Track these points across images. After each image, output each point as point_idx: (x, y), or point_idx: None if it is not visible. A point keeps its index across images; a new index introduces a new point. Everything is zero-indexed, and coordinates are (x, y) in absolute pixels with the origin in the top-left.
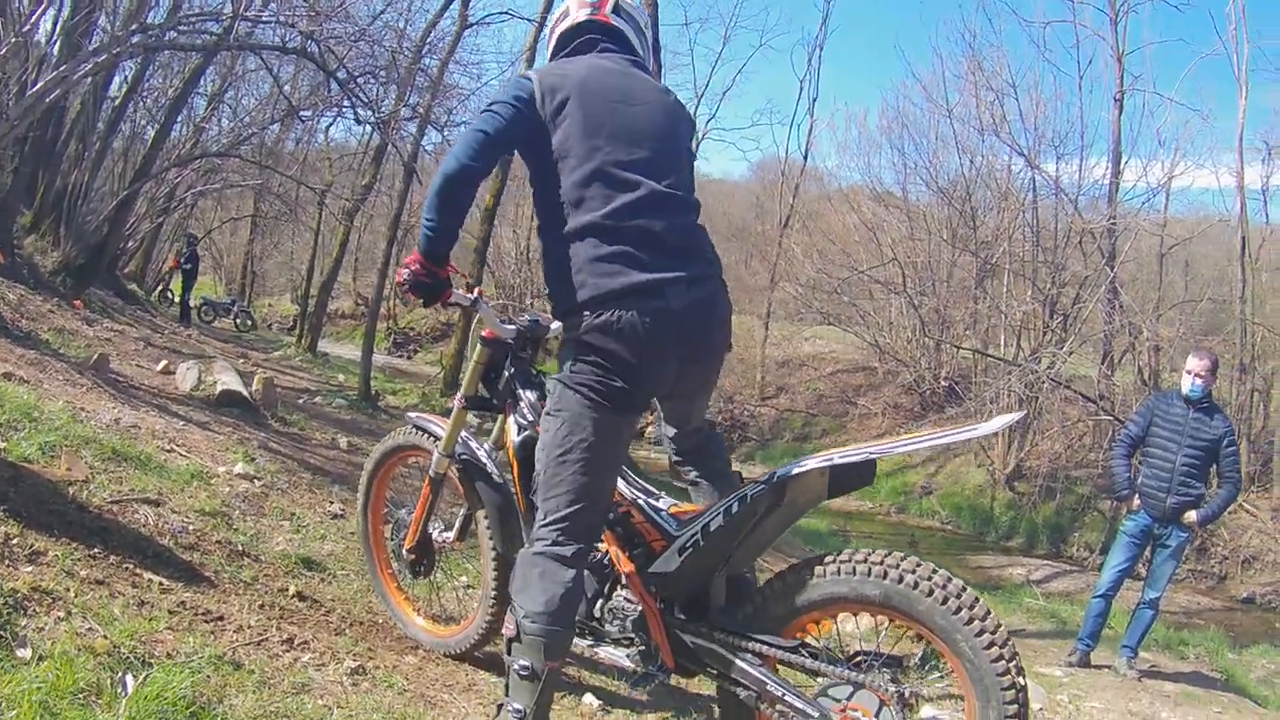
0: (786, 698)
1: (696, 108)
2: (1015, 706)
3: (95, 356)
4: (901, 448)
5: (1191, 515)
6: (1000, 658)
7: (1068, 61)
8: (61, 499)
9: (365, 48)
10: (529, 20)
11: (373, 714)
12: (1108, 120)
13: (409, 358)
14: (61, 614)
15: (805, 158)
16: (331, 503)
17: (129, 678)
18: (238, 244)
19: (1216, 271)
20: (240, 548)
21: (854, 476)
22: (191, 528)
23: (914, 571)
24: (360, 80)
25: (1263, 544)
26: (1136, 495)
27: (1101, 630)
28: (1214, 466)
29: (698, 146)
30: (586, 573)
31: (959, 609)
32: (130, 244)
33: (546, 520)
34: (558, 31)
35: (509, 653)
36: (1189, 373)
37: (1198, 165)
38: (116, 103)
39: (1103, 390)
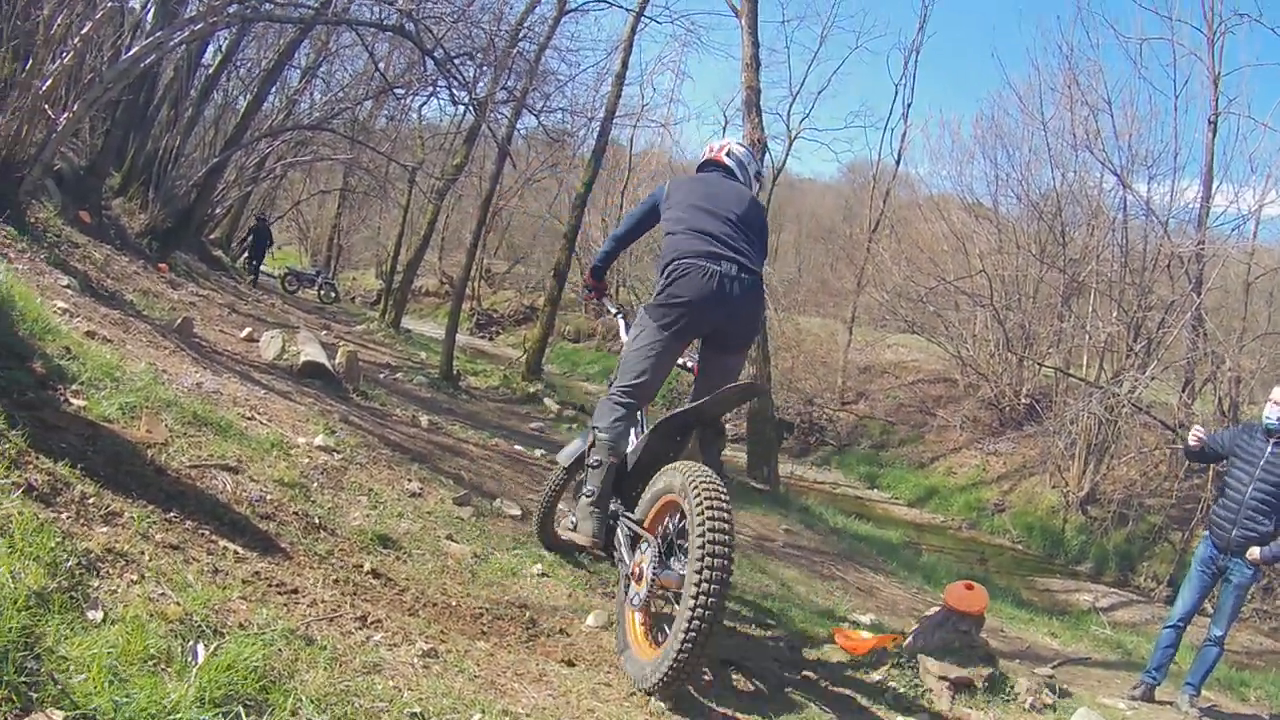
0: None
1: (791, 105)
2: (709, 533)
3: (179, 320)
4: None
5: (1255, 552)
6: (702, 500)
7: (1163, 80)
8: (140, 461)
9: (463, 28)
10: (627, 9)
11: (443, 698)
12: (1201, 142)
13: (491, 339)
14: (135, 577)
15: (898, 163)
16: (410, 480)
17: (200, 646)
18: (325, 216)
19: None
20: (317, 520)
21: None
22: (269, 497)
23: (692, 470)
24: (457, 61)
25: None
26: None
27: (1169, 663)
28: None
29: (789, 149)
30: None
31: (695, 479)
32: (218, 211)
33: (620, 384)
34: (700, 160)
35: (589, 457)
36: (1273, 402)
37: None
38: (210, 71)
39: (1182, 419)
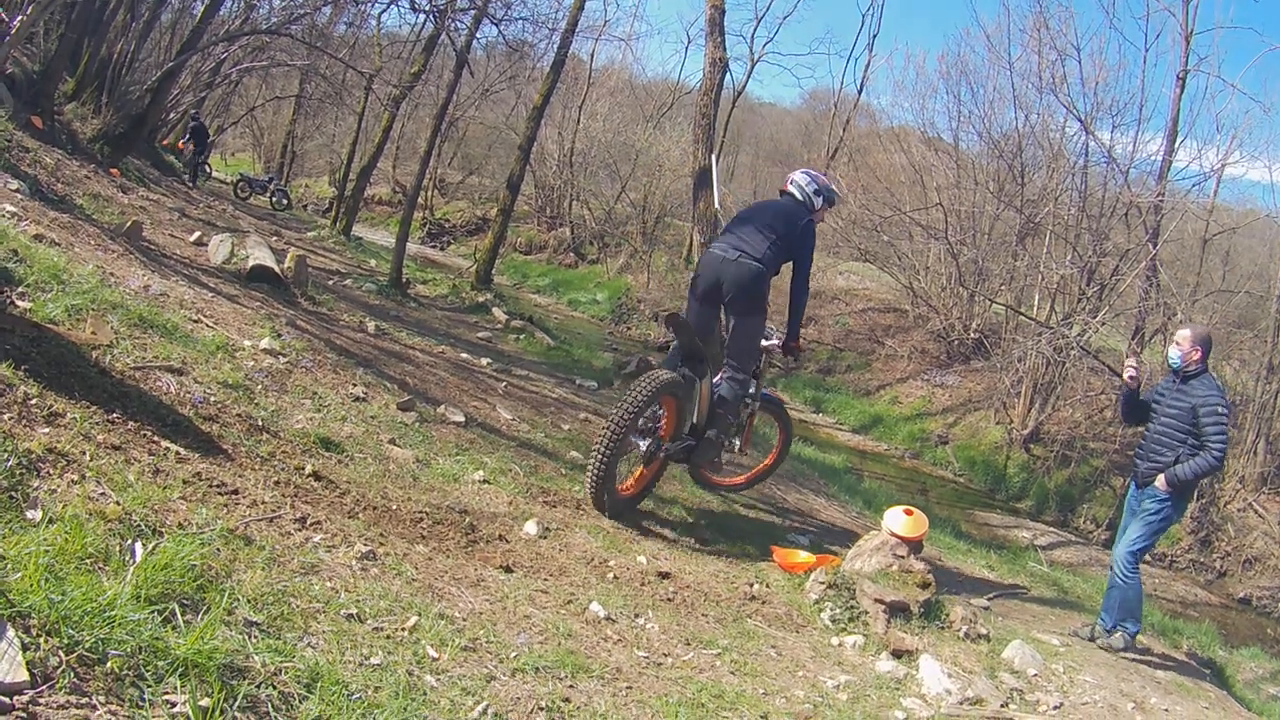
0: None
1: (755, 28)
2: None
3: (128, 224)
4: None
5: (1160, 479)
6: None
7: (1135, 32)
8: (84, 362)
9: None
10: None
11: (379, 600)
12: (1168, 97)
13: (442, 249)
14: (75, 477)
15: (860, 92)
16: (355, 385)
17: (138, 545)
18: (280, 123)
19: (1256, 266)
20: (260, 422)
21: None
22: (213, 399)
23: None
24: None
25: (1267, 547)
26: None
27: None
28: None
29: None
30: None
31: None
32: (172, 116)
33: None
34: None
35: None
36: (1175, 343)
37: (1252, 156)
38: None
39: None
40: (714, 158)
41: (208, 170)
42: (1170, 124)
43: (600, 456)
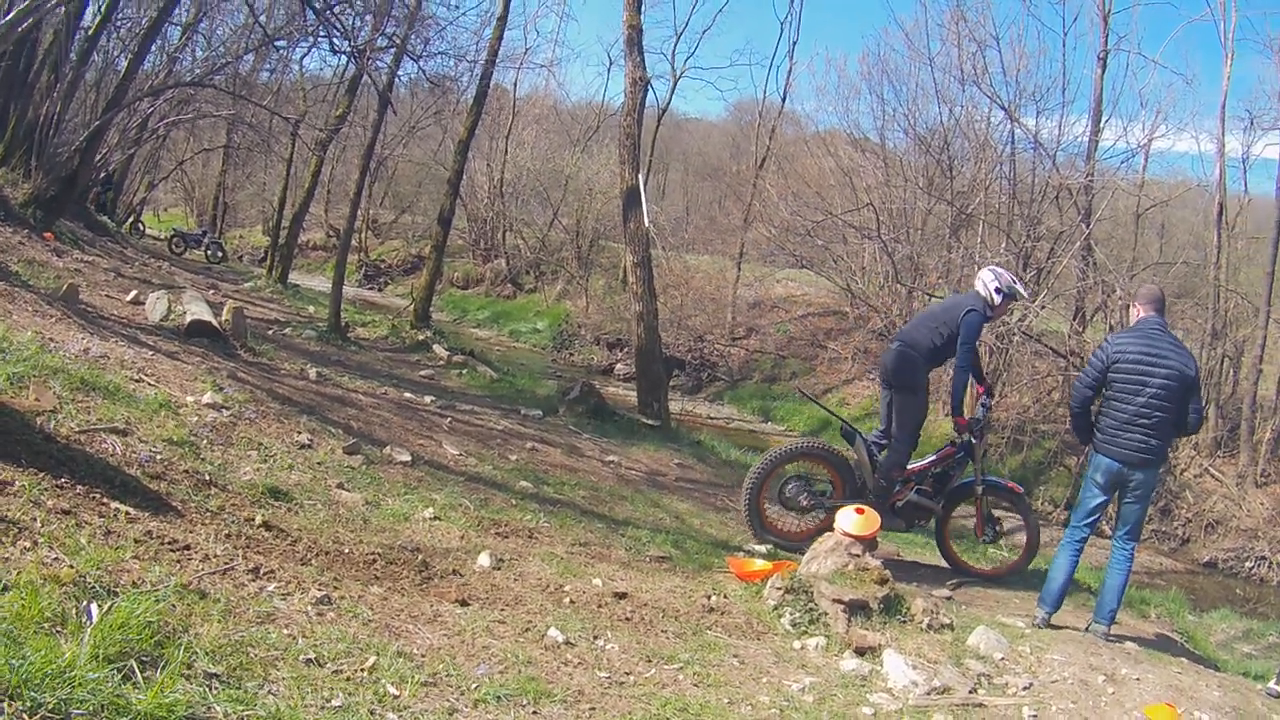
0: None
1: (675, 44)
2: None
3: (65, 287)
4: None
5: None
6: None
7: (1052, 17)
8: (29, 429)
9: None
10: None
11: (337, 644)
12: (1090, 78)
13: (380, 290)
14: (28, 544)
15: (783, 100)
16: (299, 433)
17: (94, 606)
18: (210, 175)
19: (1192, 236)
20: (207, 477)
21: None
22: (159, 457)
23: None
24: (336, 9)
25: (1227, 509)
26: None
27: (1117, 586)
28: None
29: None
30: None
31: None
32: (102, 175)
33: None
34: None
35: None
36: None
37: (1178, 129)
38: (90, 32)
39: (1073, 346)
40: (641, 177)
41: (140, 228)
42: (1094, 104)
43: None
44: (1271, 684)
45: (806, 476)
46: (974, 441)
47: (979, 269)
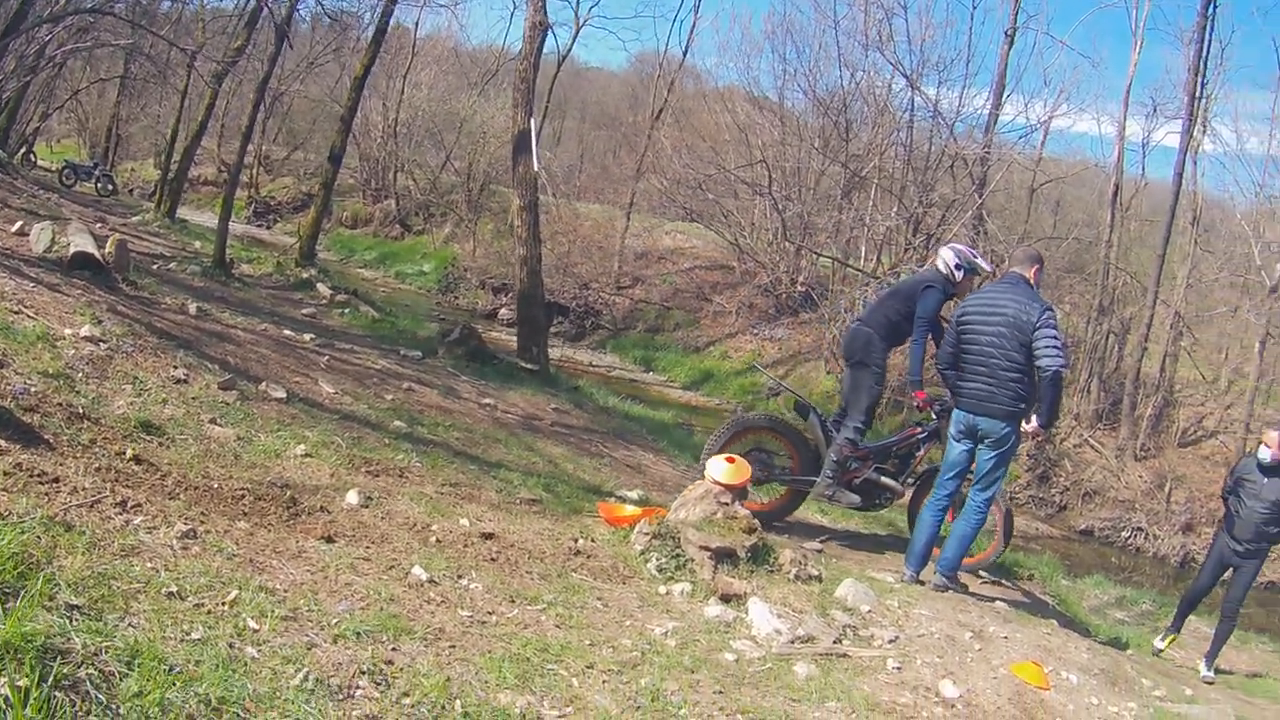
0: None
1: None
2: None
3: None
4: None
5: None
6: None
7: None
8: None
9: None
10: None
11: (200, 577)
12: (995, 53)
13: (269, 227)
14: None
15: (684, 54)
16: (176, 368)
17: None
18: (104, 106)
19: (1086, 215)
20: (81, 410)
21: None
22: (33, 389)
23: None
24: None
25: (1105, 480)
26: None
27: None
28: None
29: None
30: None
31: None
32: None
33: None
34: None
35: None
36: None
37: (1080, 109)
38: None
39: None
40: (533, 122)
41: (32, 159)
42: (998, 79)
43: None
44: (1203, 668)
45: (766, 449)
46: (939, 422)
47: (940, 247)
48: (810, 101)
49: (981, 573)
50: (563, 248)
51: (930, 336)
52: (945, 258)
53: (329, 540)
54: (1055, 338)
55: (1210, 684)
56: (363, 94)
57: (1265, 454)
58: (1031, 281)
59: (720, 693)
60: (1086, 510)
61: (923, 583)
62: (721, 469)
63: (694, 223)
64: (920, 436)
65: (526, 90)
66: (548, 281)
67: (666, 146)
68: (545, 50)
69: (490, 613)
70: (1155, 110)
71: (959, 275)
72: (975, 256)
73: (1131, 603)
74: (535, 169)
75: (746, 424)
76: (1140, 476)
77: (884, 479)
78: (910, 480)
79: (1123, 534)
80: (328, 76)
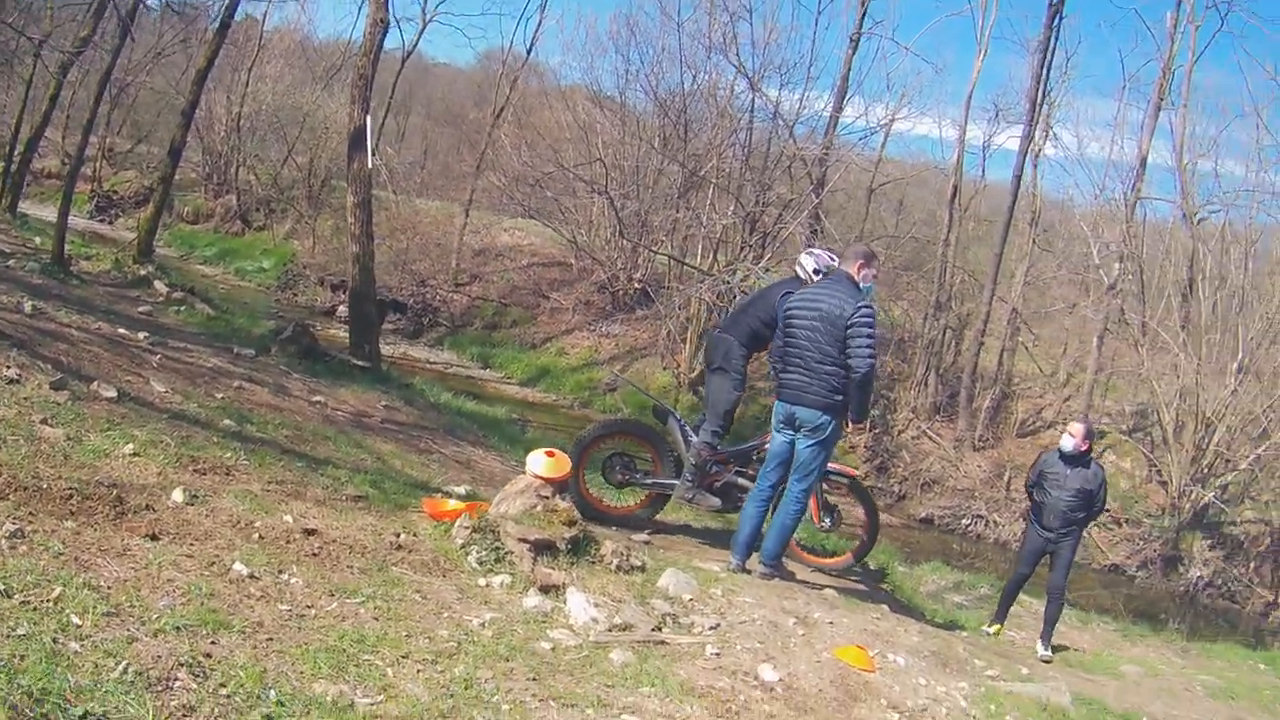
0: None
1: None
2: None
3: None
4: None
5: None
6: None
7: None
8: None
9: None
10: None
11: (26, 575)
12: (839, 57)
13: (111, 222)
14: None
15: (529, 52)
16: (8, 367)
17: None
18: None
19: (928, 215)
20: None
21: None
22: None
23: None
24: None
25: (943, 470)
26: None
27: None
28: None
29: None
30: None
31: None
32: None
33: None
34: None
35: None
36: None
37: (922, 113)
38: None
39: None
40: (369, 119)
41: None
42: (840, 82)
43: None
44: (1040, 649)
45: (627, 454)
46: None
47: (802, 253)
48: (651, 101)
49: (831, 570)
50: (401, 245)
51: None
52: (804, 263)
53: (153, 538)
54: (869, 337)
55: (1048, 663)
56: (206, 87)
57: (1069, 443)
58: (856, 278)
59: (534, 680)
60: (926, 499)
61: (749, 572)
62: (541, 463)
63: (532, 220)
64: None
65: (364, 87)
66: (386, 279)
67: (506, 144)
68: (391, 46)
69: (309, 606)
70: (998, 115)
71: (816, 280)
72: (834, 260)
73: (970, 587)
74: (370, 166)
75: (609, 429)
76: (979, 466)
77: (745, 482)
78: None
79: (963, 521)
80: (174, 68)
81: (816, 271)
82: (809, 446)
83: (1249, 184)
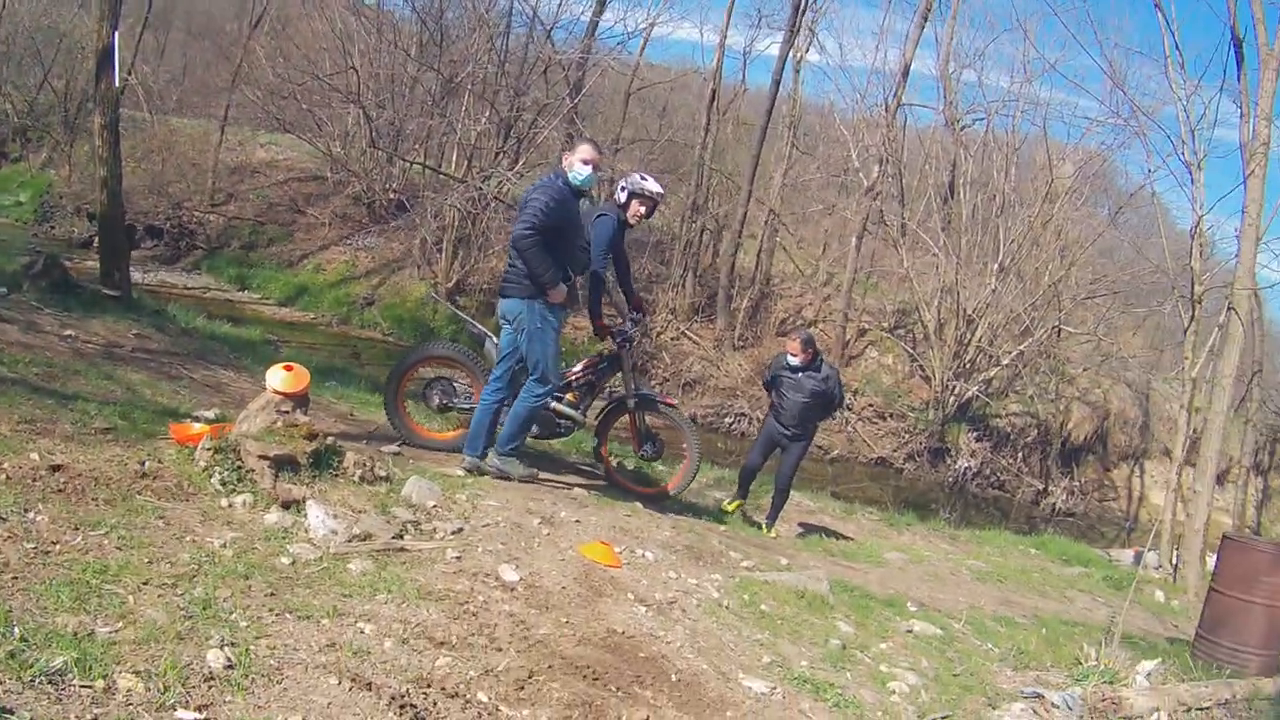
0: None
1: None
2: None
3: None
4: None
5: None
6: None
7: None
8: None
9: None
10: None
11: None
12: None
13: None
14: None
15: None
16: None
17: None
18: None
19: (691, 119)
20: None
21: None
22: None
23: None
24: None
25: (704, 370)
26: None
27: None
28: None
29: None
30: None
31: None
32: None
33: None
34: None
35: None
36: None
37: (682, 17)
38: None
39: None
40: (117, 35)
41: None
42: None
43: None
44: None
45: (447, 379)
46: (620, 353)
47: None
48: (410, 8)
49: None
50: (157, 167)
51: (614, 266)
52: (618, 187)
53: None
54: (530, 212)
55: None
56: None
57: (794, 360)
58: (565, 168)
59: (272, 595)
60: (688, 399)
61: (485, 473)
62: (279, 377)
63: (288, 134)
64: (601, 366)
65: (114, 1)
66: (141, 203)
67: (262, 56)
68: None
69: (54, 542)
70: (760, 20)
71: (623, 198)
72: (644, 180)
73: (730, 482)
74: (119, 85)
75: (426, 354)
76: (740, 365)
77: (565, 408)
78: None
79: (726, 420)
80: None
81: (623, 189)
82: (523, 337)
83: (1014, 95)
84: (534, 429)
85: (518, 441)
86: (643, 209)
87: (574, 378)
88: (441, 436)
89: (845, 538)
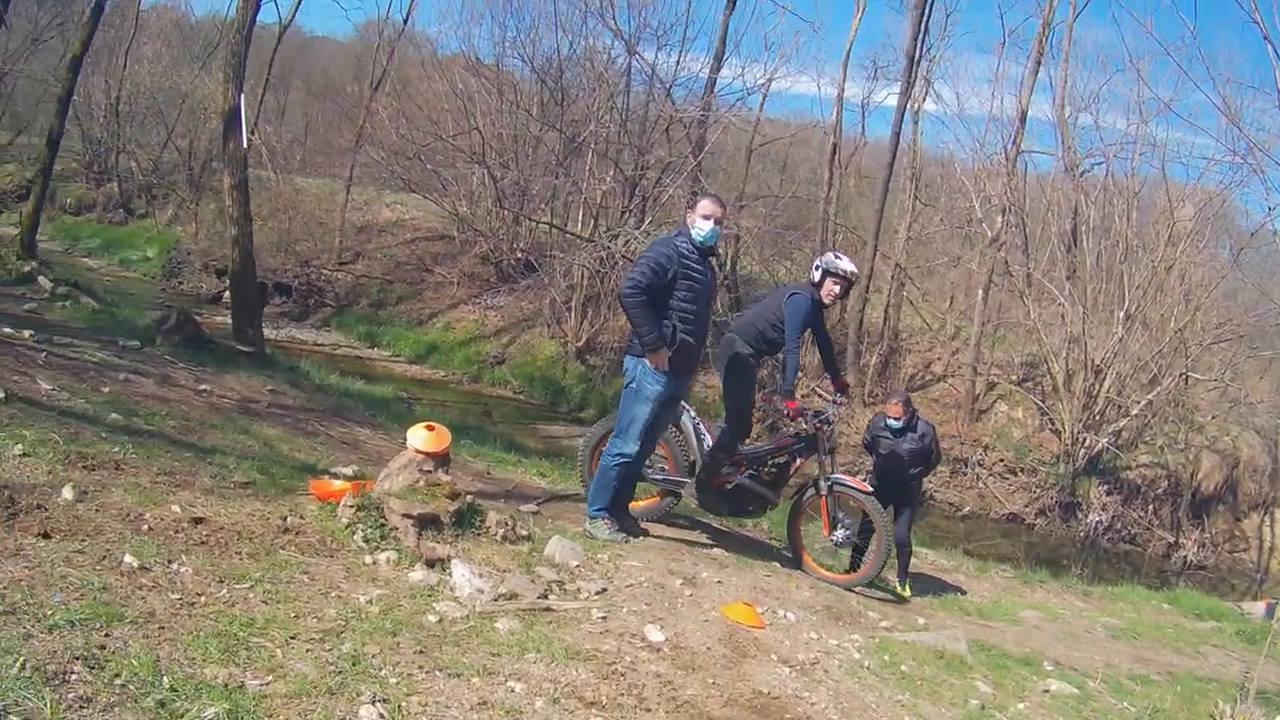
0: None
1: None
2: None
3: None
4: None
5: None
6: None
7: None
8: None
9: None
10: None
11: None
12: (716, 19)
13: None
14: None
15: (406, 22)
16: None
17: None
18: None
19: (812, 173)
20: None
21: None
22: None
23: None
24: None
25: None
26: None
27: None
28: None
29: (298, 5)
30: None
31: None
32: None
33: None
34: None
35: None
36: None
37: (799, 72)
38: None
39: None
40: (243, 97)
41: None
42: (718, 43)
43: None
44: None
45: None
46: (817, 434)
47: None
48: (528, 68)
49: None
50: (284, 225)
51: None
52: (813, 265)
53: (45, 536)
54: (638, 270)
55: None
56: (85, 71)
57: (895, 423)
58: (688, 225)
59: (421, 652)
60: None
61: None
62: (421, 437)
63: (413, 194)
64: (796, 447)
65: (238, 65)
66: (269, 261)
67: (385, 117)
68: (269, 20)
69: (199, 594)
70: (876, 72)
71: (817, 276)
72: (838, 259)
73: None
74: (244, 146)
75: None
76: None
77: (757, 486)
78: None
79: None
80: (53, 54)
81: (817, 268)
82: (622, 400)
83: (1131, 136)
84: (726, 507)
85: (601, 503)
86: (836, 288)
87: (766, 456)
88: (636, 506)
89: (977, 597)
